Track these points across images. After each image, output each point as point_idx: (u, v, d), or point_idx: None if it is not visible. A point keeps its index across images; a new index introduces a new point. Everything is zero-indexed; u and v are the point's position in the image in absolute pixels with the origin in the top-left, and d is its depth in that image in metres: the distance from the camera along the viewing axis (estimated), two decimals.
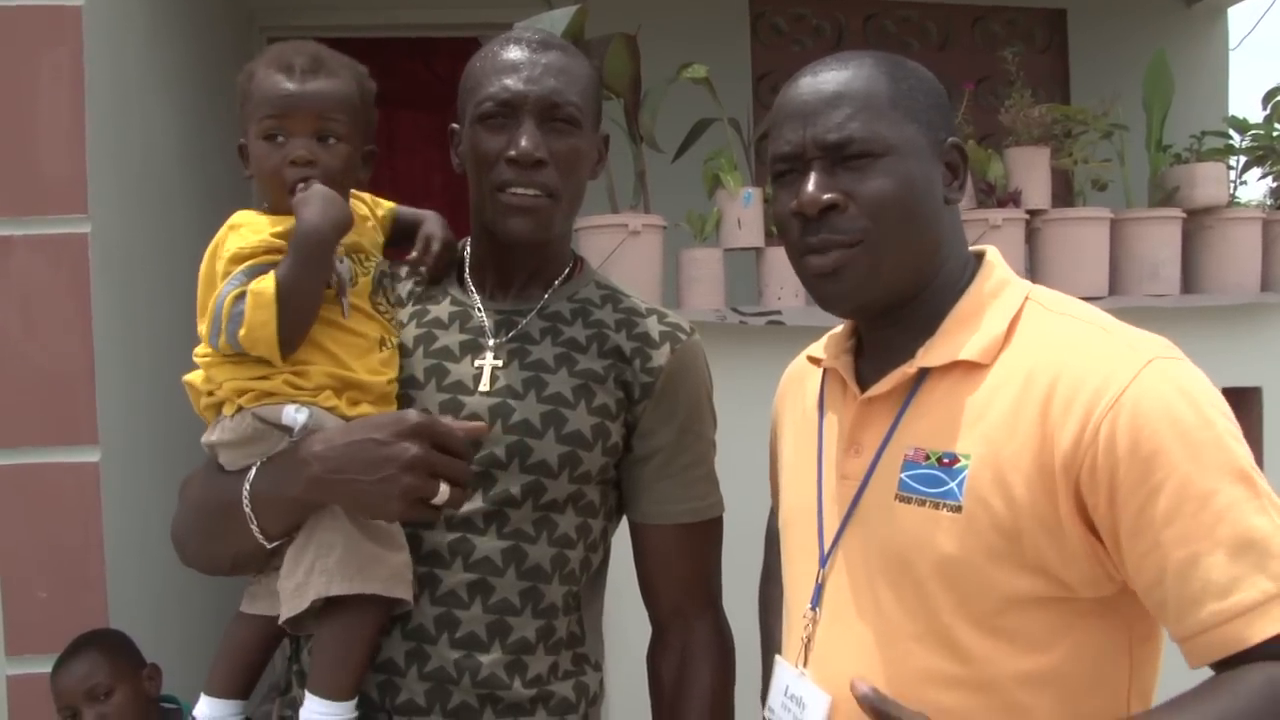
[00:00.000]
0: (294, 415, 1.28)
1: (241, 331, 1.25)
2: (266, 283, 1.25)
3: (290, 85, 1.32)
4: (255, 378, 1.30)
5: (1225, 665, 0.99)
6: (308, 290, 1.28)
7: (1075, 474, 1.03)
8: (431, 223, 1.48)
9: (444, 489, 1.25)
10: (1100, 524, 1.03)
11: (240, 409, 1.30)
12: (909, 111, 1.14)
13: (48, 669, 1.97)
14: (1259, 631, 0.96)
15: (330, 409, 1.30)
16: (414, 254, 1.45)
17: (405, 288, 1.46)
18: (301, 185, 1.32)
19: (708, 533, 1.44)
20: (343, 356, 1.32)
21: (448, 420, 1.29)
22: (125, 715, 1.96)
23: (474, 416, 1.34)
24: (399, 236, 1.49)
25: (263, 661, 1.43)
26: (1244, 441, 1.02)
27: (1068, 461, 1.03)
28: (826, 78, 1.16)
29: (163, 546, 2.35)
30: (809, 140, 1.14)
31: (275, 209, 1.35)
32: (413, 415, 1.26)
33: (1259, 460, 2.98)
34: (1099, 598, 1.06)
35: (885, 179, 1.12)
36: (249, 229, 1.31)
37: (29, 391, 2.01)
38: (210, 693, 1.41)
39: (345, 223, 1.30)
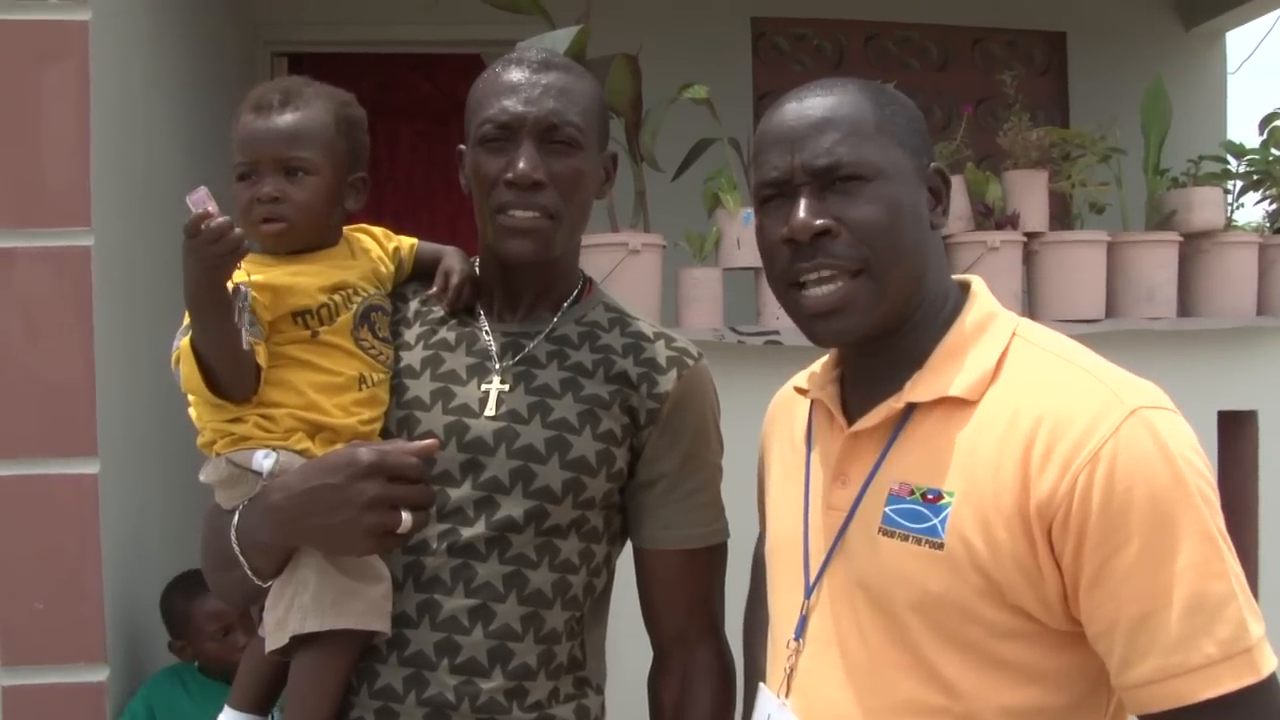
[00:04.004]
0: (261, 461, 1.30)
1: (181, 384, 1.28)
2: (187, 339, 1.26)
3: (257, 124, 1.33)
4: (229, 420, 1.31)
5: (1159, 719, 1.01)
6: (209, 344, 1.25)
7: (1049, 521, 1.03)
8: (451, 257, 1.47)
9: (406, 517, 1.25)
10: (1065, 570, 1.04)
11: (217, 454, 1.33)
12: (894, 135, 1.14)
13: (44, 680, 1.97)
14: (1194, 693, 0.99)
15: (302, 451, 1.31)
16: (433, 289, 1.45)
17: (412, 308, 1.46)
18: (267, 221, 1.32)
19: (711, 558, 1.44)
20: (313, 396, 1.32)
21: (398, 445, 1.28)
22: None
23: (479, 440, 1.34)
24: (421, 272, 1.49)
25: (280, 680, 1.44)
26: (1215, 503, 1.03)
27: (1042, 509, 1.03)
28: (812, 103, 1.16)
29: (160, 559, 2.36)
30: (797, 165, 1.13)
31: (263, 250, 1.36)
32: (364, 454, 1.25)
33: (1254, 483, 2.98)
34: (1078, 632, 1.07)
35: (875, 204, 1.12)
36: None
37: (29, 402, 2.02)
38: (232, 705, 1.46)
39: (212, 276, 1.20)
